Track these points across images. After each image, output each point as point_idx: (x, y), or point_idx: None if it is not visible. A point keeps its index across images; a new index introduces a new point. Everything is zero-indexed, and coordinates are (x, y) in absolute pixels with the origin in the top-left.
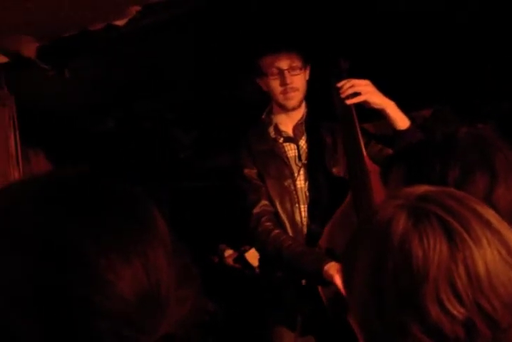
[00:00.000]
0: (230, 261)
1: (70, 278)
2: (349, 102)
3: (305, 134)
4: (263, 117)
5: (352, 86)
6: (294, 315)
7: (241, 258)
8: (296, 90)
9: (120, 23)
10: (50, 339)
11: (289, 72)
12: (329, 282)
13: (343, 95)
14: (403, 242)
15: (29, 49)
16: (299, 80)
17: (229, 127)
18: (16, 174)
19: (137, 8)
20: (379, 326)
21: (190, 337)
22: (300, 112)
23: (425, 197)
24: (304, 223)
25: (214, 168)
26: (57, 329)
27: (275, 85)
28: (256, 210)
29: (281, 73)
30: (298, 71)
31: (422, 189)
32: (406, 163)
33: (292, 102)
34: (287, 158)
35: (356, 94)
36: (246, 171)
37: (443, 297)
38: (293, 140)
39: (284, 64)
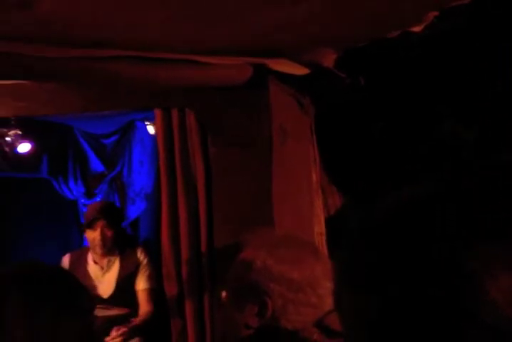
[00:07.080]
0: None
1: (459, 293)
2: None
3: None
4: None
5: None
6: None
7: None
8: None
9: (416, 29)
10: None
11: None
12: None
13: None
14: None
15: (328, 60)
16: None
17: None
18: (314, 177)
19: (435, 13)
20: None
21: None
22: None
23: None
24: None
25: (497, 167)
26: None
27: None
28: None
29: None
30: None
31: None
32: None
33: None
34: None
35: None
36: None
37: None
38: None
39: None
